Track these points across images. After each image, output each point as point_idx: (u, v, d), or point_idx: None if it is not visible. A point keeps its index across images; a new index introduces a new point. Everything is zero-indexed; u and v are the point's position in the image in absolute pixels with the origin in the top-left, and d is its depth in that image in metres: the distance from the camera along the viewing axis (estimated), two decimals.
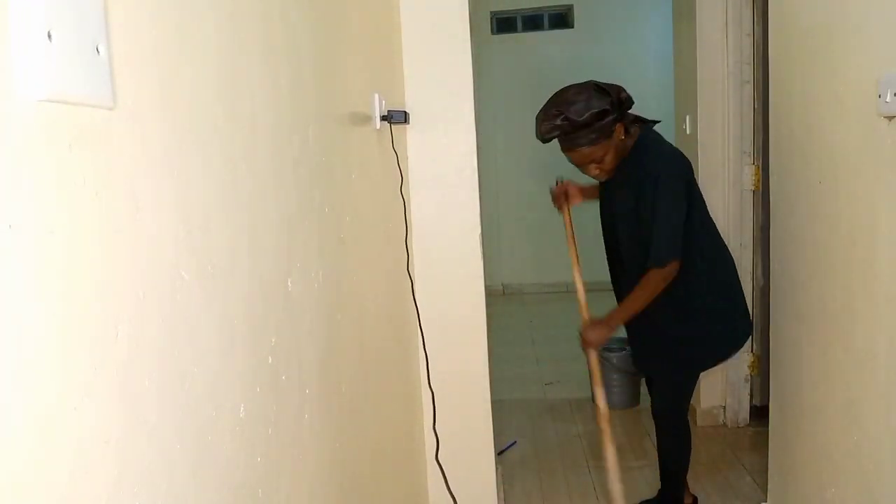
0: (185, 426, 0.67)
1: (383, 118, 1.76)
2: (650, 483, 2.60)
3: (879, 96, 1.36)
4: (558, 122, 1.88)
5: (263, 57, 0.94)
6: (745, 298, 2.14)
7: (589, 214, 2.32)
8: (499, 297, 5.80)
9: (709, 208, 2.05)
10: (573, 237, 2.27)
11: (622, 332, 2.22)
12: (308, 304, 1.08)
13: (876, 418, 1.46)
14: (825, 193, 1.65)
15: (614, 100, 1.90)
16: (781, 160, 1.92)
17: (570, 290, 5.88)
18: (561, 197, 2.30)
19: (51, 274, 0.49)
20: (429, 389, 2.06)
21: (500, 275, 5.91)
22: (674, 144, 3.28)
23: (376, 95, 1.70)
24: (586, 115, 1.85)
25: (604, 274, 2.23)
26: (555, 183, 2.35)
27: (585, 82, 1.94)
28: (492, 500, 2.28)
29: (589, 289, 2.22)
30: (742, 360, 2.99)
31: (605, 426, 2.09)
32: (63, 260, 0.50)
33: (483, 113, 3.10)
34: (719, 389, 3.04)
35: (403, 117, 1.96)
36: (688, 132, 3.05)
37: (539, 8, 5.88)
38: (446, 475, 1.96)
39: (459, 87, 2.13)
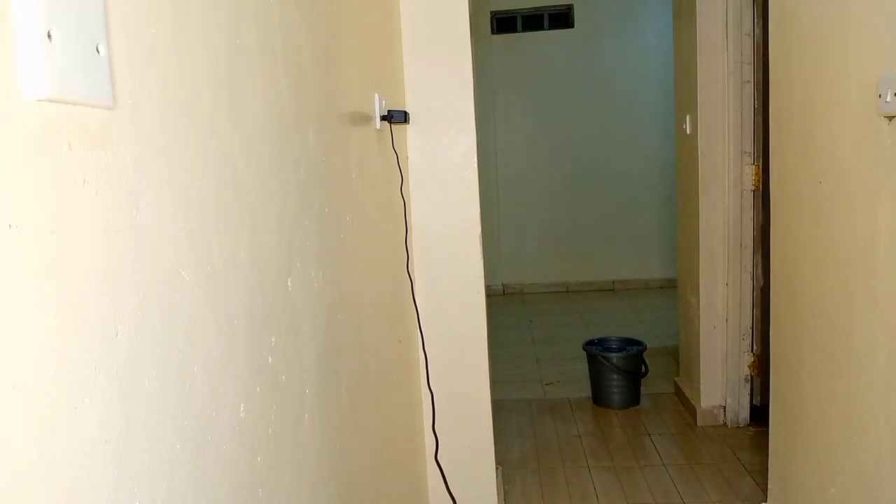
0: (185, 426, 0.67)
1: (383, 118, 1.76)
2: (651, 483, 2.60)
3: (879, 96, 1.36)
4: None
5: (263, 57, 0.93)
6: None
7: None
8: (499, 297, 5.81)
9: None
10: None
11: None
12: (308, 304, 1.08)
13: (876, 418, 1.46)
14: (825, 193, 1.65)
15: None
16: (781, 160, 1.92)
17: (570, 290, 5.93)
18: None
19: (51, 274, 0.49)
20: (428, 390, 2.06)
21: (500, 275, 5.92)
22: (674, 144, 3.30)
23: (376, 95, 1.70)
24: None
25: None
26: None
27: None
28: (492, 500, 2.28)
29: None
30: (742, 360, 3.00)
31: None
32: (63, 260, 0.50)
33: (483, 113, 3.10)
34: (719, 389, 3.04)
35: (403, 117, 1.96)
36: (688, 132, 3.05)
37: (539, 8, 5.88)
38: (446, 475, 1.95)
39: (459, 87, 2.13)
